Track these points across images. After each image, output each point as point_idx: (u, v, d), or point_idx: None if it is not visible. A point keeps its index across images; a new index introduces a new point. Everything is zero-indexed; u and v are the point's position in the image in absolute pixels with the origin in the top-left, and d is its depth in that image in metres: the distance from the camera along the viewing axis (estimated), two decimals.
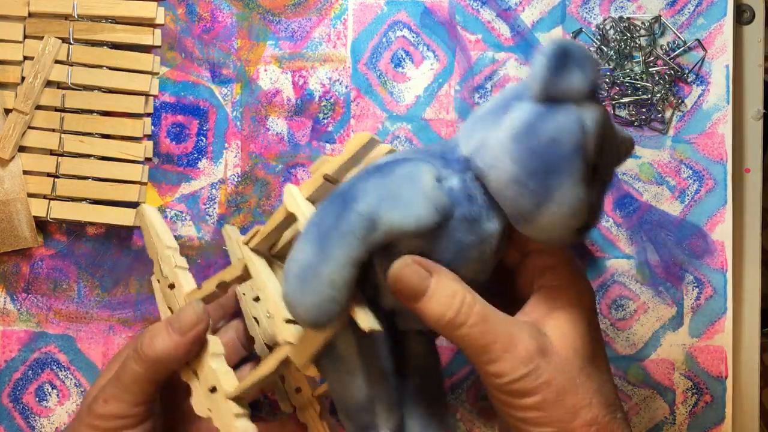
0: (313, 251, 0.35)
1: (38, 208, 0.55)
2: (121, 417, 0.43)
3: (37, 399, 0.56)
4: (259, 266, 0.42)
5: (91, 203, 0.56)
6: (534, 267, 0.41)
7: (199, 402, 0.43)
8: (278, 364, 0.40)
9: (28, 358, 0.56)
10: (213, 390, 0.42)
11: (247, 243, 0.43)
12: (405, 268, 0.37)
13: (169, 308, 0.47)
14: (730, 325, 0.57)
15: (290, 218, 0.41)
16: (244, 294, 0.51)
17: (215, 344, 0.44)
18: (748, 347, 0.58)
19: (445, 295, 0.37)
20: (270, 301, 0.41)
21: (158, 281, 0.48)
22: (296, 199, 0.40)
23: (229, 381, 0.42)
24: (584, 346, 0.39)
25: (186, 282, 0.46)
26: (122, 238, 0.57)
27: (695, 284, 0.58)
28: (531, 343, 0.37)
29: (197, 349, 0.43)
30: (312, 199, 0.41)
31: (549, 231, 0.37)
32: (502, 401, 0.38)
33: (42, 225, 0.56)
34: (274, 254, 0.44)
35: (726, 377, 0.57)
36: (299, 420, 0.49)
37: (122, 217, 0.56)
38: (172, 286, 0.46)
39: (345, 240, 0.35)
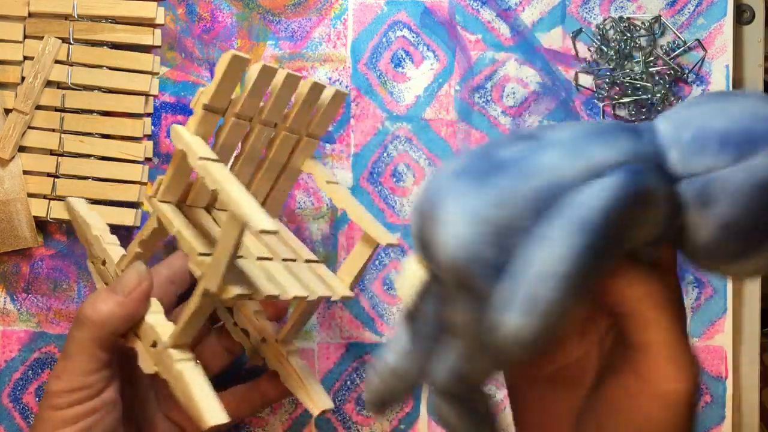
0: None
1: (38, 208, 0.55)
2: (77, 390, 0.42)
3: (37, 399, 0.56)
4: (171, 215, 0.43)
5: (91, 203, 0.56)
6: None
7: (145, 360, 0.43)
8: (199, 298, 0.40)
9: (28, 358, 0.56)
10: (154, 345, 0.42)
11: (153, 196, 0.44)
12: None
13: (105, 283, 0.49)
14: (730, 325, 0.57)
15: (184, 161, 0.41)
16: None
17: (152, 303, 0.45)
18: (748, 347, 0.58)
19: None
20: (185, 244, 0.42)
21: (92, 263, 0.50)
22: (183, 137, 0.41)
23: (167, 332, 0.42)
24: None
25: (115, 254, 0.48)
26: (122, 238, 0.56)
27: (695, 284, 0.58)
28: None
29: (143, 308, 0.43)
30: (200, 134, 0.42)
31: (734, 271, 0.31)
32: None
33: (42, 225, 0.56)
34: (190, 204, 0.46)
35: (726, 377, 0.57)
36: (270, 369, 0.50)
37: (122, 217, 0.56)
38: (104, 263, 0.48)
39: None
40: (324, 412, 0.47)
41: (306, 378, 0.48)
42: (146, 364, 0.43)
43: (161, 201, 0.44)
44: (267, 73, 0.44)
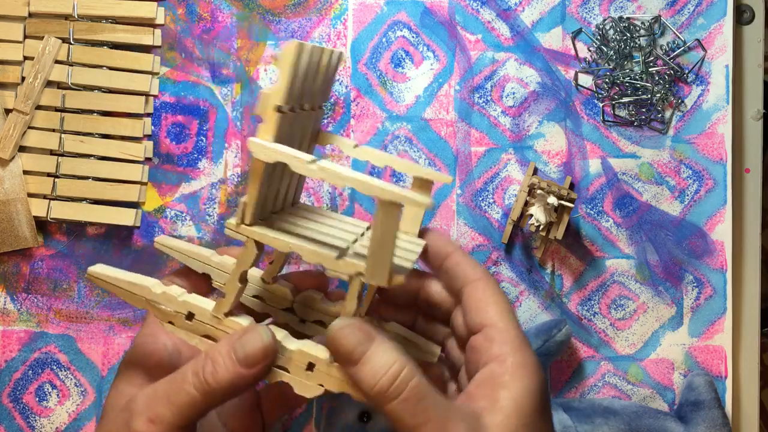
0: None
1: (38, 208, 0.55)
2: None
3: (37, 399, 0.56)
4: (274, 235, 0.39)
5: (91, 203, 0.56)
6: (481, 347, 0.39)
7: (304, 387, 0.40)
8: (356, 297, 0.38)
9: (28, 358, 0.56)
10: (311, 367, 0.40)
11: (242, 223, 0.39)
12: (345, 328, 0.36)
13: (206, 335, 0.41)
14: (730, 325, 0.57)
15: (272, 168, 0.39)
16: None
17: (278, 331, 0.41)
18: (748, 347, 0.59)
19: (382, 363, 0.35)
20: (312, 256, 0.38)
21: (171, 324, 0.42)
22: (276, 149, 0.37)
23: (320, 349, 0.40)
24: (526, 428, 0.36)
25: (203, 302, 0.41)
26: (122, 238, 0.57)
27: (695, 284, 0.58)
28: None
29: (261, 379, 0.39)
30: (280, 140, 0.38)
31: None
32: None
33: (42, 225, 0.56)
34: (274, 211, 0.42)
35: (726, 377, 0.57)
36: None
37: (122, 217, 0.56)
38: (190, 317, 0.41)
39: None
40: (440, 355, 0.45)
41: (409, 335, 0.46)
42: (307, 390, 0.40)
43: (252, 225, 0.39)
44: (301, 50, 0.39)
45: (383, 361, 0.35)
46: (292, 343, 0.40)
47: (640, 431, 0.54)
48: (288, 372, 0.40)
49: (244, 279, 0.40)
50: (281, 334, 0.40)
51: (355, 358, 0.36)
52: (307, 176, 0.40)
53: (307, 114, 0.43)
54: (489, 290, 0.40)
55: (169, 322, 0.42)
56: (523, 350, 0.38)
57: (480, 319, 0.39)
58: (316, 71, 0.42)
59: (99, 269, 0.43)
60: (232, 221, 0.39)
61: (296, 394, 0.41)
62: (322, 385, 0.39)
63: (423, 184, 0.46)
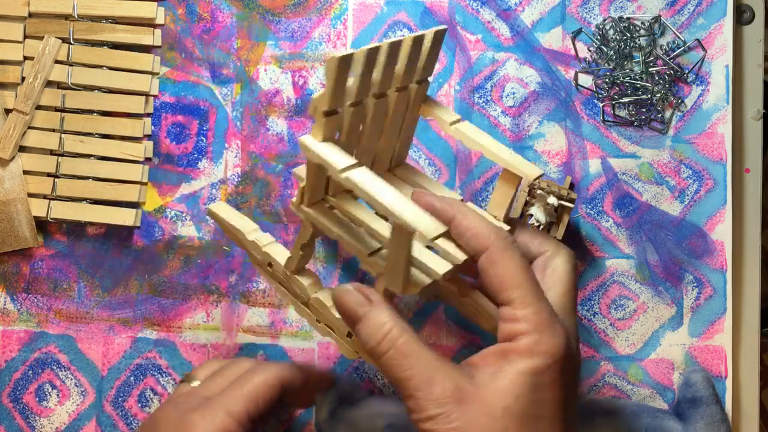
0: None
1: (38, 208, 0.55)
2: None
3: (37, 399, 0.56)
4: (324, 220, 0.44)
5: (91, 203, 0.56)
6: (501, 324, 0.40)
7: (345, 349, 0.46)
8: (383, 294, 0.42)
9: (28, 358, 0.56)
10: (349, 335, 0.46)
11: (301, 203, 0.44)
12: (346, 293, 0.41)
13: (279, 283, 0.49)
14: (730, 325, 0.57)
15: (321, 168, 0.42)
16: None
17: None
18: (748, 347, 0.59)
19: (374, 324, 0.39)
20: (351, 247, 0.43)
21: (259, 266, 0.50)
22: (317, 151, 0.41)
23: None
24: (519, 407, 0.37)
25: (279, 255, 0.48)
26: (122, 238, 0.57)
27: (695, 284, 0.58)
28: (448, 387, 0.37)
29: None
30: (328, 139, 0.41)
31: None
32: None
33: (42, 225, 0.56)
34: (333, 193, 0.46)
35: (726, 377, 0.57)
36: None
37: (122, 217, 0.56)
38: (270, 265, 0.49)
39: None
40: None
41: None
42: (348, 352, 0.46)
43: (310, 207, 0.44)
44: (347, 62, 0.41)
45: (378, 320, 0.39)
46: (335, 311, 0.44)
47: (639, 431, 0.54)
48: (334, 334, 0.46)
49: (306, 247, 0.46)
50: (329, 302, 0.46)
51: (357, 317, 0.40)
52: None
53: (388, 99, 0.46)
54: (500, 264, 0.40)
55: (258, 265, 0.50)
56: (539, 332, 0.39)
57: (499, 298, 0.40)
58: (394, 61, 0.44)
59: (217, 207, 0.50)
60: (295, 200, 0.44)
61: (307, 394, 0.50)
62: (357, 353, 0.45)
63: (510, 178, 0.46)
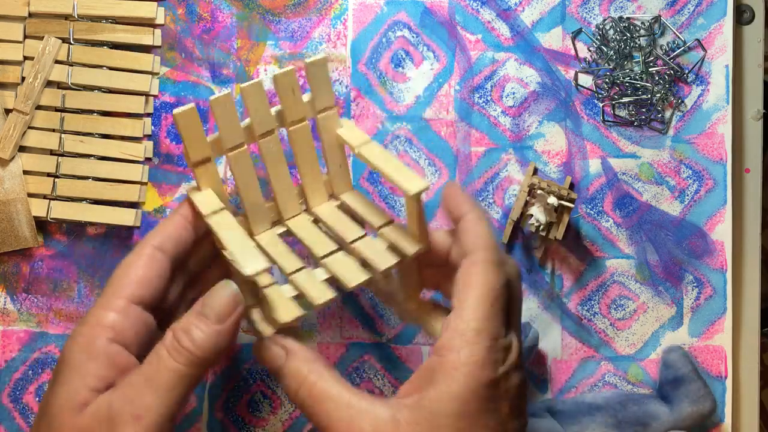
0: None
1: (38, 208, 0.55)
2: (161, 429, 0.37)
3: (37, 399, 0.56)
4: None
5: (91, 203, 0.56)
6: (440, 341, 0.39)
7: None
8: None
9: (28, 358, 0.56)
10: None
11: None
12: (262, 348, 0.41)
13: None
14: (730, 325, 0.57)
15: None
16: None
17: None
18: (748, 347, 0.59)
19: (290, 374, 0.39)
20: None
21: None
22: (192, 197, 0.45)
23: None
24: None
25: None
26: (122, 238, 0.57)
27: (695, 284, 0.58)
28: (367, 429, 0.36)
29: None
30: (215, 183, 0.45)
31: None
32: None
33: (42, 225, 0.56)
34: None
35: (726, 377, 0.57)
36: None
37: (122, 217, 0.56)
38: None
39: None
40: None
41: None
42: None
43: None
44: (223, 102, 0.44)
45: (292, 373, 0.39)
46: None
47: (628, 421, 0.54)
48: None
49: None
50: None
51: (278, 371, 0.40)
52: None
53: (274, 137, 0.47)
54: (472, 276, 0.39)
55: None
56: (468, 344, 0.37)
57: (454, 297, 0.40)
58: (260, 101, 0.46)
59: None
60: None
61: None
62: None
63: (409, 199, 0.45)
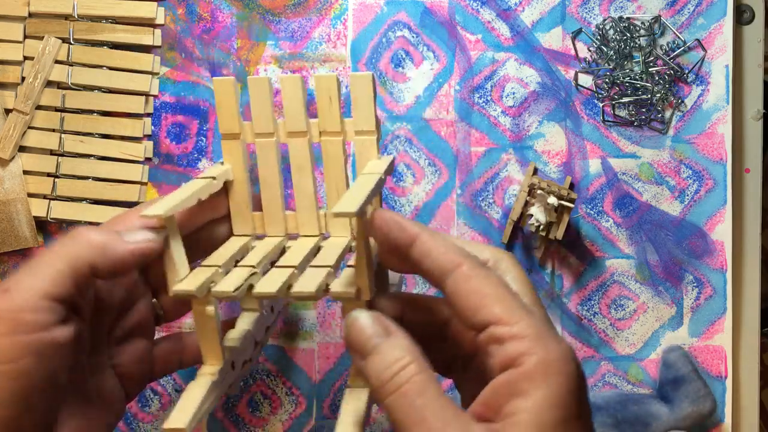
0: None
1: (38, 208, 0.55)
2: (27, 311, 0.37)
3: None
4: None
5: (91, 203, 0.56)
6: (491, 349, 0.33)
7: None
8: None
9: None
10: None
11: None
12: (358, 321, 0.35)
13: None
14: (730, 325, 0.57)
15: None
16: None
17: None
18: (748, 347, 0.59)
19: (391, 357, 0.33)
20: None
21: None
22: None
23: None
24: None
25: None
26: None
27: (695, 284, 0.58)
28: None
29: (134, 265, 0.39)
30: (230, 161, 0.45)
31: None
32: None
33: (42, 225, 0.56)
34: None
35: (726, 377, 0.57)
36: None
37: None
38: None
39: None
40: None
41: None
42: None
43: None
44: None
45: (394, 354, 0.33)
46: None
47: (628, 421, 0.54)
48: None
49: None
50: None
51: (367, 350, 0.34)
52: None
53: (307, 141, 0.45)
54: (475, 279, 0.34)
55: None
56: (543, 344, 0.32)
57: (478, 319, 0.33)
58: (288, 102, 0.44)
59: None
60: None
61: (190, 351, 0.45)
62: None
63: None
